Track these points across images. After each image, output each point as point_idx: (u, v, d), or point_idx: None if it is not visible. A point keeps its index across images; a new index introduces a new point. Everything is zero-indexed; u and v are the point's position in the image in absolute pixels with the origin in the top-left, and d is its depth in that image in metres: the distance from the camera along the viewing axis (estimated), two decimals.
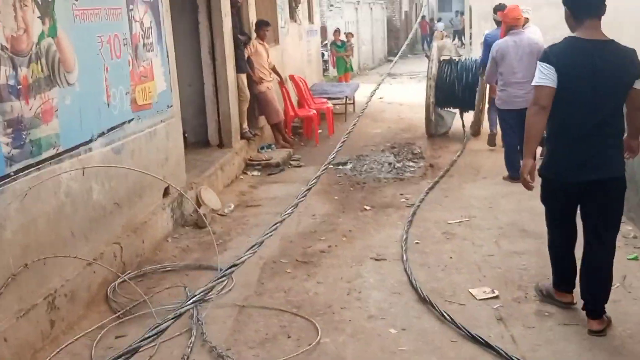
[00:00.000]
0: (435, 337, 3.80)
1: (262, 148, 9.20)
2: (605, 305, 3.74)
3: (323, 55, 17.42)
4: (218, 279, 3.49)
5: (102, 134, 4.71)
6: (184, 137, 6.92)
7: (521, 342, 3.68)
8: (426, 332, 3.86)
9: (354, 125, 6.16)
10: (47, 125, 3.98)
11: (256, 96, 9.11)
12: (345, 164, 8.65)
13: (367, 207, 6.57)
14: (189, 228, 6.08)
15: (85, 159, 4.42)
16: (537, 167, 3.78)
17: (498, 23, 8.62)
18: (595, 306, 3.72)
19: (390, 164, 8.49)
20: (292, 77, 10.84)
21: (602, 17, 3.62)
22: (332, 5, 21.23)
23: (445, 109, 10.27)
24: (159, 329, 2.31)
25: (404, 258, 4.93)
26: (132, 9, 5.27)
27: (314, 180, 4.69)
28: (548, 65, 3.57)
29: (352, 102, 13.30)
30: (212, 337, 3.85)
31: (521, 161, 3.90)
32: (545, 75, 3.56)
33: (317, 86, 13.23)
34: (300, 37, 13.22)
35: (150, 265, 5.13)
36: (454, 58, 10.36)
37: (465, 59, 10.66)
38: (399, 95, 15.95)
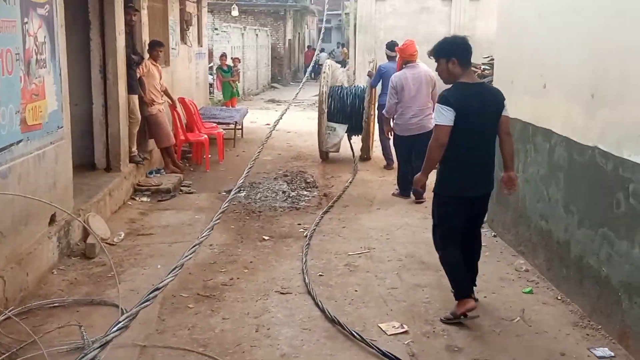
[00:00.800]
0: None
1: (151, 172, 8.81)
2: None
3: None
4: (128, 315, 3.22)
5: None
6: None
7: None
8: None
9: (259, 152, 6.04)
10: None
11: (146, 118, 8.74)
12: (238, 191, 8.43)
13: (266, 237, 6.42)
14: (75, 259, 5.64)
15: None
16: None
17: (389, 57, 9.28)
18: (474, 283, 4.59)
19: (284, 192, 8.39)
20: (182, 100, 10.52)
21: None
22: (216, 29, 21.03)
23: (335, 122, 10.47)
24: None
25: (313, 292, 4.82)
26: (27, 22, 4.86)
27: (226, 205, 4.53)
28: (448, 107, 4.21)
29: (240, 127, 13.12)
30: None
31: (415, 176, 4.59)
32: (445, 117, 4.21)
33: (206, 110, 12.94)
34: (190, 59, 12.93)
35: (34, 300, 4.68)
36: (345, 85, 10.92)
37: (353, 86, 11.16)
38: (286, 122, 15.89)
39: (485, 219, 5.92)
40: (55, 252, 5.40)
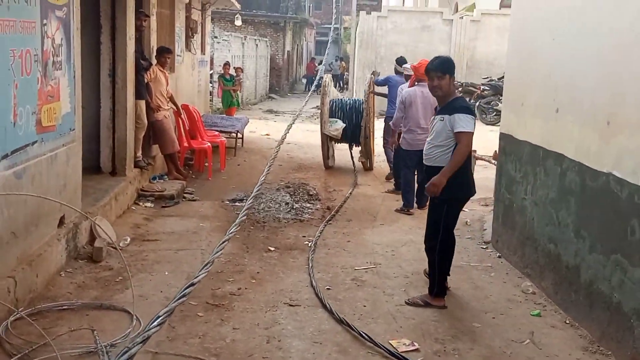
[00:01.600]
0: None
1: (154, 178, 8.79)
2: None
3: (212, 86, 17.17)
4: (167, 311, 3.19)
5: (6, 155, 4.25)
6: None
7: None
8: None
9: (272, 160, 6.04)
10: None
11: (152, 124, 8.73)
12: (241, 200, 8.45)
13: (272, 248, 6.41)
14: (82, 262, 5.61)
15: None
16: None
17: (398, 72, 9.92)
18: None
19: (287, 203, 8.38)
20: (185, 107, 10.51)
21: None
22: (217, 37, 21.05)
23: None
24: None
25: (329, 306, 4.80)
26: (46, 24, 4.86)
27: (243, 216, 4.51)
28: (472, 117, 4.87)
29: (241, 137, 13.12)
30: None
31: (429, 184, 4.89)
32: (472, 125, 4.83)
33: (207, 118, 12.93)
34: (193, 66, 12.96)
35: (43, 302, 4.65)
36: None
37: (351, 99, 11.45)
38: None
39: (489, 239, 6.29)
40: (64, 254, 5.37)
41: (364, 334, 4.30)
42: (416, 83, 7.98)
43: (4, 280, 4.23)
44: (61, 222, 5.43)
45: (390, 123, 8.65)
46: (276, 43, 30.46)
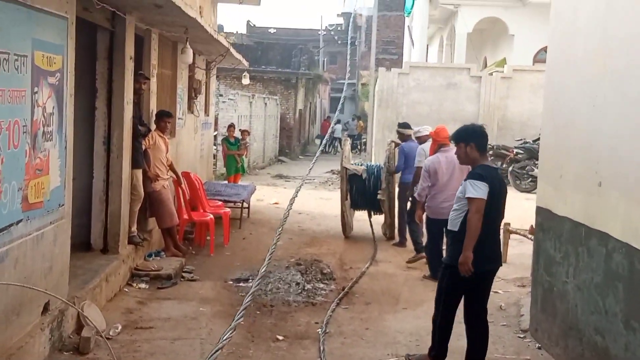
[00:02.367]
0: None
1: (150, 255, 8.81)
2: None
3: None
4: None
5: None
6: None
7: None
8: None
9: (279, 234, 6.03)
10: None
11: (149, 195, 8.81)
12: (247, 280, 8.42)
13: (280, 337, 6.34)
14: (68, 354, 5.58)
15: None
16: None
17: (404, 136, 10.69)
18: None
19: (298, 284, 8.33)
20: (186, 175, 10.62)
21: None
22: (222, 95, 21.40)
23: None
24: None
25: None
26: (37, 92, 4.99)
27: (248, 301, 4.46)
28: (484, 183, 5.24)
29: (247, 206, 13.17)
30: None
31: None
32: (482, 191, 5.22)
33: (210, 186, 13.04)
34: (196, 129, 13.15)
35: None
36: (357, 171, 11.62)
37: (369, 165, 12.07)
38: (296, 202, 15.97)
39: (527, 326, 6.21)
40: (47, 345, 5.34)
41: None
42: (438, 149, 8.52)
43: None
44: (45, 309, 5.42)
45: (416, 195, 8.87)
46: (287, 101, 30.92)
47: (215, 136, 18.51)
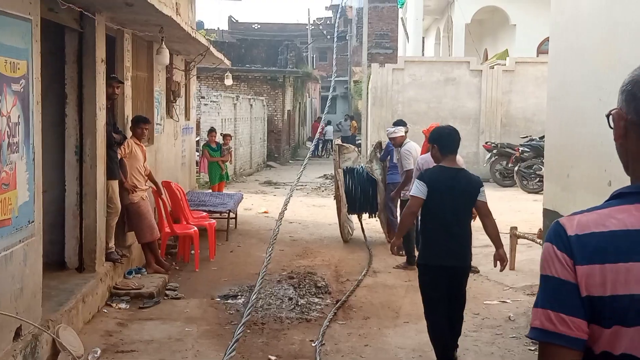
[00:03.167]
0: None
1: (130, 273, 8.79)
2: None
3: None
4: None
5: None
6: None
7: None
8: None
9: (272, 247, 6.01)
10: None
11: (127, 207, 8.79)
12: (235, 296, 8.41)
13: (273, 358, 6.34)
14: None
15: None
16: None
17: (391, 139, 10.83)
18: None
19: (290, 299, 8.32)
20: (167, 185, 10.61)
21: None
22: (204, 98, 21.39)
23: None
24: None
25: None
26: (0, 101, 4.97)
27: (240, 329, 4.47)
28: (422, 182, 5.83)
29: (234, 216, 13.16)
30: None
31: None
32: (419, 190, 5.81)
33: (194, 195, 13.05)
34: (176, 135, 13.15)
35: None
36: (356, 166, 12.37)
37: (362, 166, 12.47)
38: (287, 210, 16.00)
39: None
40: None
41: None
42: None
43: None
44: (17, 334, 5.38)
45: (408, 194, 9.13)
46: (274, 102, 30.92)
47: (197, 141, 18.49)
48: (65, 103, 7.65)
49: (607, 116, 1.89)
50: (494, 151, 19.71)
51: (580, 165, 5.88)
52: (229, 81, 18.47)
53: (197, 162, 17.40)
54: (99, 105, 7.77)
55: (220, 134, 18.30)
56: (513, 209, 15.39)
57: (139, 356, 6.30)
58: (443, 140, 6.01)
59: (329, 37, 49.10)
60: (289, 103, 32.61)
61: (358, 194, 11.90)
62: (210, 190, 15.50)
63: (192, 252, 10.16)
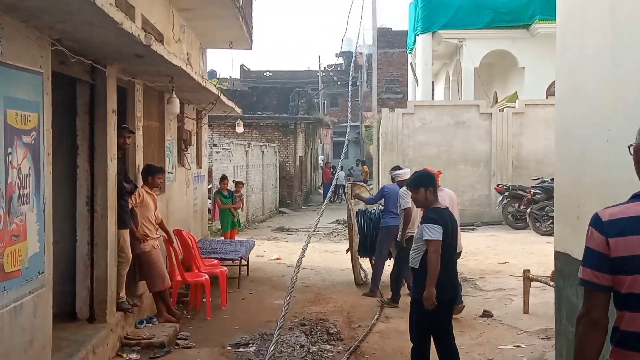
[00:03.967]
0: None
1: (141, 322, 8.75)
2: None
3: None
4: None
5: None
6: None
7: None
8: None
9: (287, 304, 5.98)
10: None
11: (138, 256, 8.79)
12: (247, 345, 8.35)
13: None
14: None
15: None
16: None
17: (396, 179, 11.40)
18: None
19: (302, 346, 8.26)
20: (178, 233, 10.62)
21: None
22: (215, 145, 21.52)
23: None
24: None
25: None
26: (11, 152, 5.03)
27: None
28: (439, 226, 6.21)
29: (246, 263, 13.13)
30: None
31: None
32: (439, 234, 6.20)
33: (205, 243, 13.03)
34: (187, 184, 13.21)
35: None
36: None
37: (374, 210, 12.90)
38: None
39: None
40: None
41: None
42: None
43: None
44: None
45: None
46: (286, 148, 31.08)
47: (209, 189, 18.57)
48: (77, 154, 7.70)
49: (629, 147, 3.05)
50: (506, 193, 19.65)
51: (589, 205, 5.82)
52: (240, 129, 18.59)
53: (209, 210, 17.44)
54: (110, 156, 7.83)
55: (233, 181, 18.39)
56: (526, 251, 15.30)
57: None
58: (434, 182, 6.49)
59: (339, 83, 49.47)
60: (300, 149, 32.77)
61: (370, 234, 12.27)
62: (222, 238, 15.50)
63: (204, 300, 10.11)
